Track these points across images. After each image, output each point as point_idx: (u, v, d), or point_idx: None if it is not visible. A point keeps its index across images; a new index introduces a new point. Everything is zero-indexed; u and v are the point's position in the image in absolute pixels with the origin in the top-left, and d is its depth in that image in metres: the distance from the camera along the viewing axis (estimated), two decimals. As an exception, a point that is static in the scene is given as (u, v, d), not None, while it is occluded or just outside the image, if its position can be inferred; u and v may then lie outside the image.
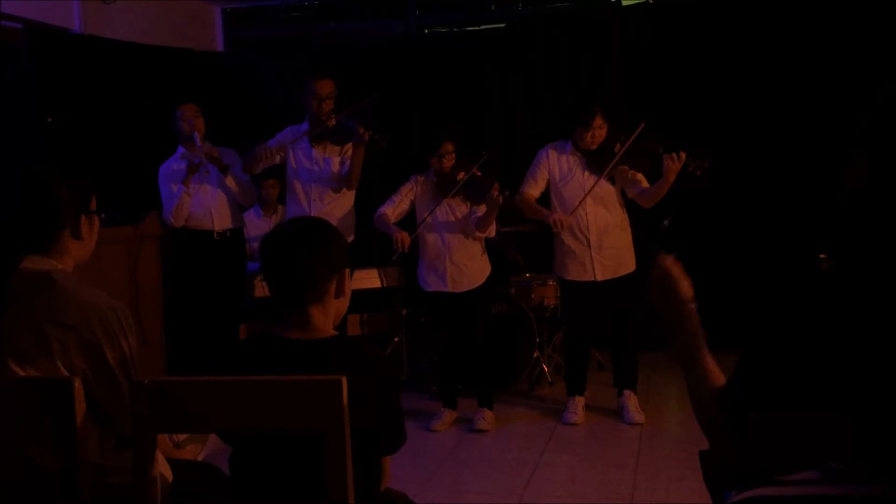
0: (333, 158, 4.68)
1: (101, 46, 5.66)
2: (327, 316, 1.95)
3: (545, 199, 4.64)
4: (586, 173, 4.47)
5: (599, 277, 4.50)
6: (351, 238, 4.74)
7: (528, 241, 5.63)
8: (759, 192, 5.73)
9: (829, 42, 5.54)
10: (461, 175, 4.38)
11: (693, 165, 4.23)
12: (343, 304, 2.00)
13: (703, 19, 5.90)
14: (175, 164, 4.93)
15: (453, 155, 4.44)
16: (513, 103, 6.35)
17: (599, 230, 4.49)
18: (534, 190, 4.57)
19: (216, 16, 7.25)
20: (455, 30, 6.90)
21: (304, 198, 4.69)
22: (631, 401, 4.59)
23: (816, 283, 1.38)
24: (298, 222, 2.04)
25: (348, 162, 4.61)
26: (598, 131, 4.39)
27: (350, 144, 4.57)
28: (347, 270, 1.99)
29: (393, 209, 4.54)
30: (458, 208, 4.51)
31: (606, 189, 4.48)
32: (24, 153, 5.02)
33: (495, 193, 4.19)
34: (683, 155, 4.19)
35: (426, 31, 6.91)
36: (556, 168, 4.55)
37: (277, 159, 4.69)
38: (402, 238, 4.40)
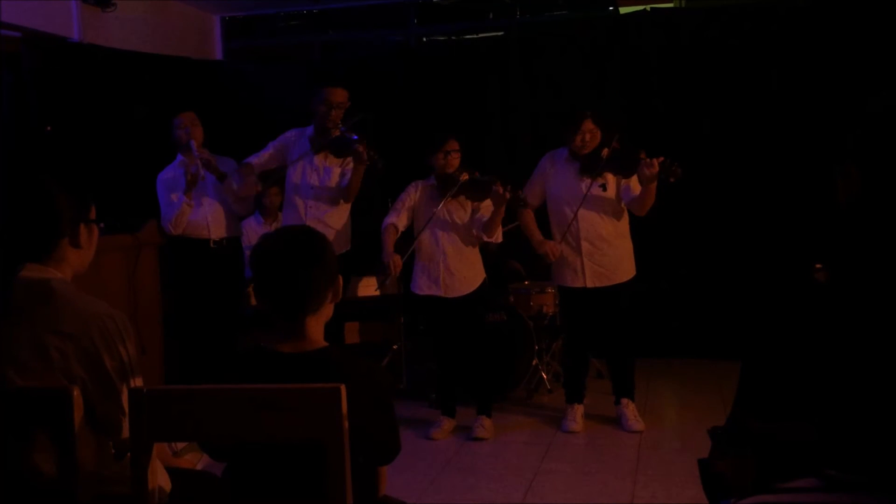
0: (334, 169, 4.67)
1: (99, 55, 5.67)
2: (321, 325, 1.96)
3: (545, 209, 4.64)
4: (577, 179, 4.45)
5: (589, 284, 4.48)
6: (348, 248, 4.75)
7: (527, 249, 5.62)
8: (754, 201, 5.74)
9: (824, 51, 5.56)
10: (465, 176, 4.35)
11: (665, 173, 4.11)
12: (331, 308, 2.00)
13: (701, 27, 5.92)
14: (173, 171, 4.92)
15: (458, 154, 4.41)
16: (513, 112, 6.35)
17: (591, 237, 4.46)
18: (532, 198, 4.57)
19: (215, 25, 7.27)
20: (453, 38, 6.93)
21: (301, 206, 4.68)
22: (629, 409, 4.59)
23: (812, 295, 1.38)
24: (288, 234, 2.00)
25: (348, 174, 4.60)
26: (588, 135, 4.37)
27: (350, 158, 4.57)
28: (340, 276, 1.99)
29: (399, 217, 4.51)
30: (456, 213, 4.48)
31: (600, 196, 4.44)
32: (24, 162, 5.02)
33: (500, 189, 4.14)
34: (657, 162, 4.09)
35: (424, 39, 6.93)
36: (551, 174, 4.56)
37: (255, 185, 4.76)
38: (395, 262, 4.37)
